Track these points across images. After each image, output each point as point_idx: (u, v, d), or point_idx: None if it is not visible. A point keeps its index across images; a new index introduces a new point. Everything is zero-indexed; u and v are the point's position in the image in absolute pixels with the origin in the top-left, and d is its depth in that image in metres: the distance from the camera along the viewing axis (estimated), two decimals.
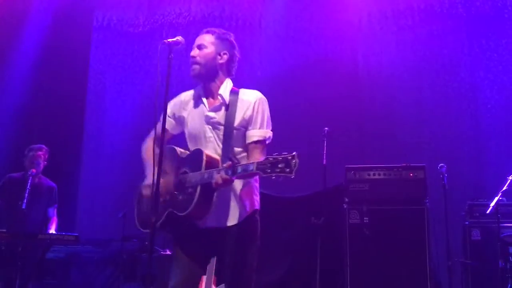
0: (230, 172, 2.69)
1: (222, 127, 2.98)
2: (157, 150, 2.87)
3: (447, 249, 4.92)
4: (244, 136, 2.99)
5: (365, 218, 5.08)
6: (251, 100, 3.02)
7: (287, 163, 2.54)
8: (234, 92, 3.06)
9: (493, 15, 6.61)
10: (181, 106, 3.12)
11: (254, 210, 3.01)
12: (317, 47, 6.85)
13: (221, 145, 2.96)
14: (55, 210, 5.94)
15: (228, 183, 2.73)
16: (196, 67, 3.05)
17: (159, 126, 3.09)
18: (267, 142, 3.01)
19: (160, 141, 2.81)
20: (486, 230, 5.24)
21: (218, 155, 2.93)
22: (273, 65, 7.03)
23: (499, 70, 6.50)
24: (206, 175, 2.78)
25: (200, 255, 2.93)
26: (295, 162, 2.54)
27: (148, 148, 3.14)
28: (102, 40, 7.62)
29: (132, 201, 3.17)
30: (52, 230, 5.71)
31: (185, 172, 2.89)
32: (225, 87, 3.07)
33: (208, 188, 2.79)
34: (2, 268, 5.24)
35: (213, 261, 4.16)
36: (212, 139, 2.99)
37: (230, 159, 2.77)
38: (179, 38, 2.96)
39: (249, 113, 3.00)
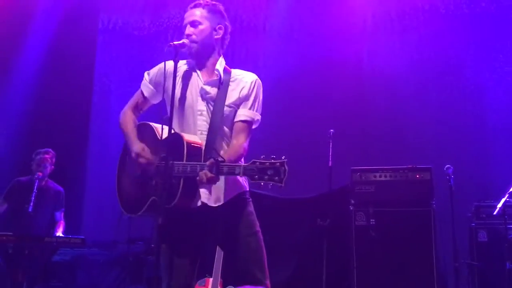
0: (214, 171, 2.55)
1: (213, 103, 2.90)
2: (132, 126, 2.95)
3: (454, 251, 4.90)
4: (233, 116, 2.93)
5: (371, 220, 5.06)
6: (247, 80, 2.99)
7: (276, 170, 2.44)
8: (227, 71, 3.00)
9: (499, 15, 6.59)
10: (168, 76, 2.91)
11: (243, 191, 2.93)
12: (322, 49, 6.84)
13: (210, 121, 2.87)
14: (62, 214, 5.97)
15: (213, 181, 2.62)
16: (194, 45, 2.93)
17: (137, 95, 3.08)
18: (253, 125, 2.96)
19: (168, 131, 2.73)
20: (493, 231, 5.22)
21: (207, 129, 2.85)
22: (277, 67, 7.02)
23: (505, 70, 6.48)
24: (188, 168, 2.64)
25: (188, 236, 2.84)
26: (285, 169, 2.44)
27: (128, 120, 3.02)
28: (107, 43, 7.64)
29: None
30: (59, 233, 5.73)
31: (165, 158, 2.66)
32: (220, 64, 3.00)
33: (191, 180, 2.67)
34: (9, 270, 5.26)
35: (220, 254, 4.11)
36: (205, 113, 2.90)
37: (214, 156, 2.62)
38: (185, 41, 2.94)
39: (244, 91, 2.96)
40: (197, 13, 2.97)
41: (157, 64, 3.01)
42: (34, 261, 5.34)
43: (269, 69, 7.09)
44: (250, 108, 2.94)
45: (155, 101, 3.09)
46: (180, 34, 3.25)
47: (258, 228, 2.90)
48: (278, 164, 2.45)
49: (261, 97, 3.01)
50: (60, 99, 7.25)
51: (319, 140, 5.58)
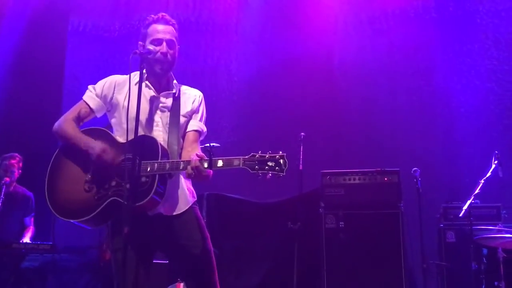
0: (206, 165, 2.67)
1: (168, 113, 3.01)
2: (78, 130, 2.95)
3: (422, 252, 4.98)
4: (185, 127, 3.06)
5: (340, 223, 5.12)
6: (196, 94, 3.15)
7: (276, 161, 2.62)
8: (177, 85, 3.12)
9: (466, 20, 6.71)
10: (117, 89, 3.03)
11: (195, 200, 3.08)
12: (293, 52, 6.87)
13: (167, 131, 2.96)
14: (32, 220, 5.90)
15: (205, 176, 2.71)
16: (166, 65, 3.01)
17: (79, 107, 3.04)
18: (201, 137, 3.12)
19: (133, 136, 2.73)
20: (461, 232, 5.32)
21: (164, 141, 2.92)
22: (249, 70, 7.04)
23: (472, 74, 6.59)
24: (168, 166, 2.73)
25: (146, 242, 2.88)
26: (285, 161, 2.64)
27: (73, 126, 2.97)
28: (77, 45, 7.54)
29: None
30: (27, 239, 5.66)
31: (132, 159, 2.68)
32: (173, 78, 3.12)
33: (164, 179, 2.78)
34: None
35: None
36: (160, 124, 2.99)
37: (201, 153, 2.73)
38: (150, 47, 2.97)
39: (196, 104, 3.11)
40: (172, 32, 3.03)
41: (126, 67, 2.96)
42: (2, 268, 5.25)
43: (241, 73, 7.11)
44: (200, 120, 3.11)
45: (100, 114, 3.10)
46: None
47: (208, 234, 3.01)
48: (277, 156, 2.64)
49: (205, 112, 3.18)
50: (29, 102, 7.13)
51: (290, 143, 5.60)
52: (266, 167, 2.61)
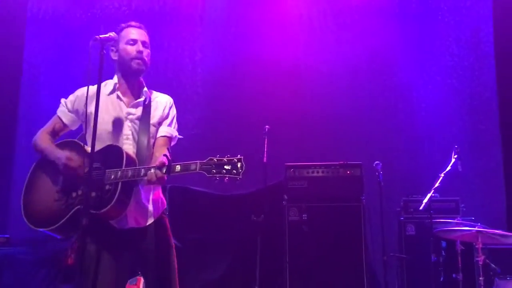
0: (165, 171, 2.70)
1: (139, 122, 3.05)
2: (51, 142, 3.04)
3: (382, 244, 5.06)
4: (155, 135, 3.11)
5: (303, 215, 5.16)
6: (166, 100, 3.22)
7: (233, 165, 2.64)
8: (147, 93, 3.18)
9: (428, 16, 6.83)
10: (88, 101, 3.01)
11: (164, 208, 3.15)
12: (258, 45, 6.84)
13: (137, 142, 2.99)
14: None
15: (162, 181, 2.78)
16: (143, 67, 3.12)
17: (54, 121, 3.16)
18: (172, 142, 3.16)
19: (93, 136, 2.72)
20: (420, 225, 5.43)
21: (133, 153, 2.96)
22: (214, 62, 6.97)
23: (433, 70, 6.72)
24: (130, 173, 2.78)
25: (115, 256, 2.91)
26: (242, 164, 2.65)
27: (46, 138, 3.10)
28: (37, 33, 7.29)
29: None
30: None
31: (98, 168, 2.82)
32: (144, 85, 3.20)
33: (128, 187, 2.82)
34: None
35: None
36: (131, 137, 3.03)
37: (164, 157, 2.76)
38: (111, 34, 2.96)
39: (166, 111, 3.18)
40: (145, 35, 3.19)
41: (86, 56, 2.88)
42: None
43: (205, 64, 7.02)
44: (169, 126, 3.16)
45: (74, 127, 3.20)
46: (114, 25, 3.21)
47: (172, 243, 3.09)
48: (235, 160, 2.66)
49: (176, 117, 3.24)
50: None
51: (254, 136, 5.58)
52: (223, 171, 2.63)
